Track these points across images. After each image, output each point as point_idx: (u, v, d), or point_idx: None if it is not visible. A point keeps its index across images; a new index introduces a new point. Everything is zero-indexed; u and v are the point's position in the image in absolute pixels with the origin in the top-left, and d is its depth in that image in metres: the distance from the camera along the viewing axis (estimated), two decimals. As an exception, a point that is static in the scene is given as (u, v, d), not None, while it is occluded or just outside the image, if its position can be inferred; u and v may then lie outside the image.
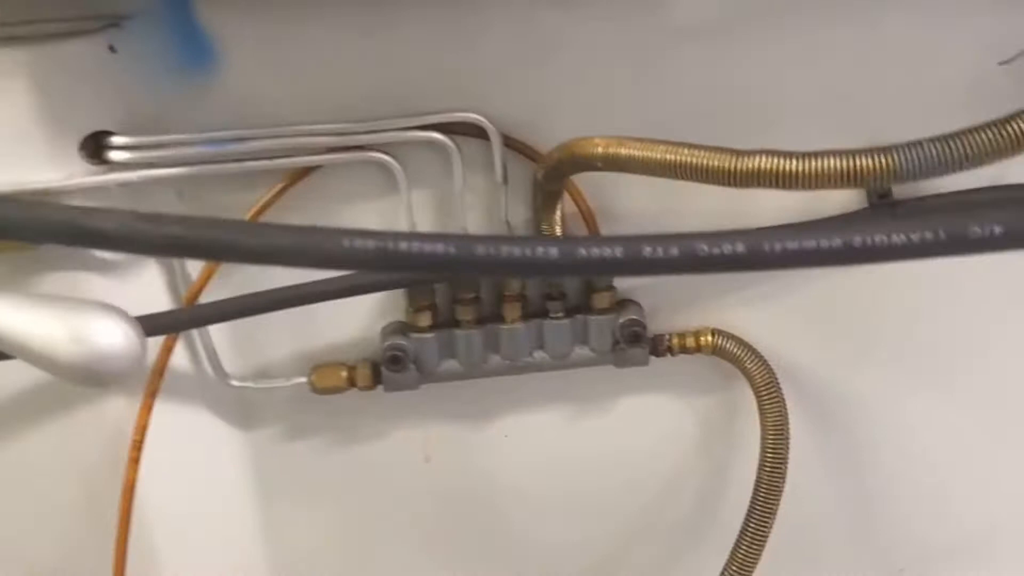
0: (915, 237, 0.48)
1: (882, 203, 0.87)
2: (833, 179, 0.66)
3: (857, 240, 0.49)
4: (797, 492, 0.98)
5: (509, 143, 0.84)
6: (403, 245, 0.48)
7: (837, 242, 0.49)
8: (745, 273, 0.55)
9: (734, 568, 0.92)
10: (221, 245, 0.49)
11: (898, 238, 0.49)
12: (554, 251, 0.49)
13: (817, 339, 0.95)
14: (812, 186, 0.66)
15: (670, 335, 0.92)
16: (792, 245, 0.49)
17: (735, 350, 0.91)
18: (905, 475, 1.01)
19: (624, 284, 0.92)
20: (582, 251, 0.50)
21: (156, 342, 0.88)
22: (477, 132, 0.83)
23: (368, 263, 0.49)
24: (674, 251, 0.49)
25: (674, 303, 0.93)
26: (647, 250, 0.49)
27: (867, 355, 0.96)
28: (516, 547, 1.04)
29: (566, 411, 0.98)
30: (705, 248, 0.49)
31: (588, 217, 0.87)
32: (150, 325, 0.78)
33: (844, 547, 1.04)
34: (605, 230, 0.88)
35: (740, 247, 0.49)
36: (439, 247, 0.49)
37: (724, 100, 0.83)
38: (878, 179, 0.65)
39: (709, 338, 0.91)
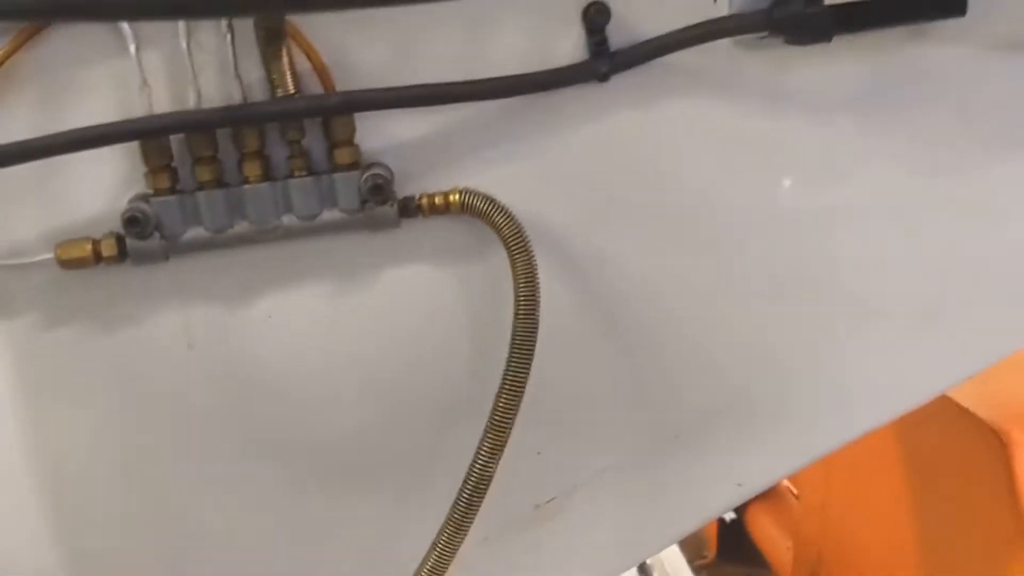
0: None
1: (600, 50, 0.92)
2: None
3: None
4: (561, 359, 1.01)
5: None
6: None
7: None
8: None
9: (496, 419, 0.94)
10: None
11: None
12: None
13: (567, 199, 0.98)
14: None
15: (419, 195, 0.94)
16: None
17: (482, 206, 0.93)
18: (666, 336, 1.05)
19: (371, 146, 0.93)
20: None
21: None
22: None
23: None
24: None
25: (424, 166, 0.95)
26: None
27: (616, 215, 0.99)
28: (290, 436, 1.02)
29: (327, 286, 0.98)
30: None
31: (322, 72, 0.89)
32: None
33: (617, 413, 1.07)
34: (342, 85, 0.90)
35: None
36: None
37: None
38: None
39: (457, 196, 0.94)
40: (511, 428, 0.94)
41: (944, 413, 1.57)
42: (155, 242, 0.89)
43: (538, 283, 0.94)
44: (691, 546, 2.91)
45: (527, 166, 0.97)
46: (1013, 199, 1.04)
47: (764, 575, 2.71)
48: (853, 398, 1.10)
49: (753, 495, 1.14)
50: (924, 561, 1.66)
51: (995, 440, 1.45)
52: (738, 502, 1.14)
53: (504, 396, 0.94)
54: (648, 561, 2.25)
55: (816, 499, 2.05)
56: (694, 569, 2.80)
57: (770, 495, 2.63)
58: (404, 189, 0.94)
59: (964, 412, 1.52)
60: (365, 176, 0.90)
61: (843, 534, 1.95)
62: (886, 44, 0.96)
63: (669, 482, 1.11)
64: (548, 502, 1.10)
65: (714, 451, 1.10)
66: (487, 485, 0.95)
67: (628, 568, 1.21)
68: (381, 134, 0.93)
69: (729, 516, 2.87)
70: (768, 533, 2.55)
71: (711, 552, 2.87)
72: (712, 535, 2.87)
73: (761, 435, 1.10)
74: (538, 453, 1.07)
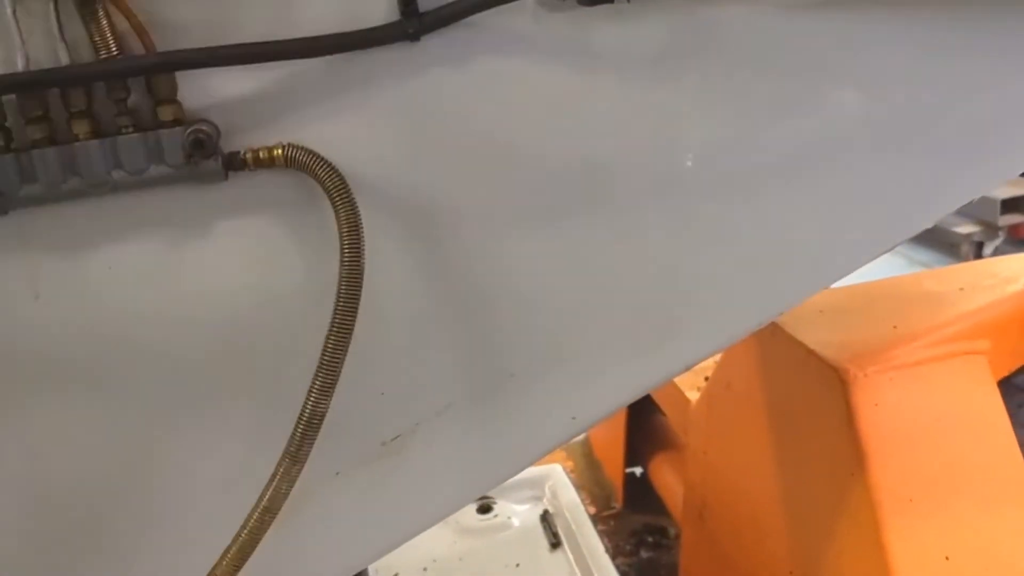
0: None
1: (409, 11, 0.98)
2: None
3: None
4: (397, 305, 1.09)
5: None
6: None
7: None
8: None
9: (325, 360, 1.01)
10: None
11: None
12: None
13: (389, 153, 1.05)
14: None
15: (244, 150, 1.00)
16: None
17: (304, 158, 1.00)
18: (493, 283, 1.12)
19: (198, 103, 0.99)
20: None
21: None
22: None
23: None
24: None
25: (251, 123, 1.01)
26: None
27: (436, 167, 1.07)
28: (140, 376, 1.09)
29: (161, 238, 1.04)
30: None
31: (141, 33, 0.95)
32: None
33: (453, 354, 1.14)
34: (163, 45, 0.96)
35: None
36: None
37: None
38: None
39: (280, 150, 1.00)
40: (340, 368, 1.01)
41: (795, 356, 1.68)
42: (-9, 197, 0.95)
43: (362, 232, 1.01)
44: (599, 498, 3.03)
45: (349, 122, 1.03)
46: (803, 153, 1.13)
47: (666, 523, 2.84)
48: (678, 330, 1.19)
49: (587, 428, 1.23)
50: (783, 496, 1.77)
51: (835, 378, 1.56)
52: (574, 434, 1.23)
53: (332, 338, 1.01)
54: (550, 510, 2.34)
55: (700, 446, 2.16)
56: (602, 520, 2.92)
57: (671, 448, 2.75)
58: (232, 145, 1.01)
59: (811, 354, 1.63)
60: (188, 131, 0.96)
61: (721, 478, 2.06)
62: (679, 6, 1.04)
63: (506, 418, 1.19)
64: (393, 439, 1.18)
65: (548, 389, 1.18)
66: (319, 421, 1.03)
67: (473, 498, 1.29)
68: (208, 92, 0.99)
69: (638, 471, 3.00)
70: (668, 483, 2.67)
71: (619, 504, 2.99)
72: (619, 487, 2.99)
73: (592, 372, 1.19)
74: (381, 393, 1.15)
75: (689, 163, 1.11)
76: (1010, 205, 4.93)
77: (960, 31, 1.11)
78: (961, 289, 1.77)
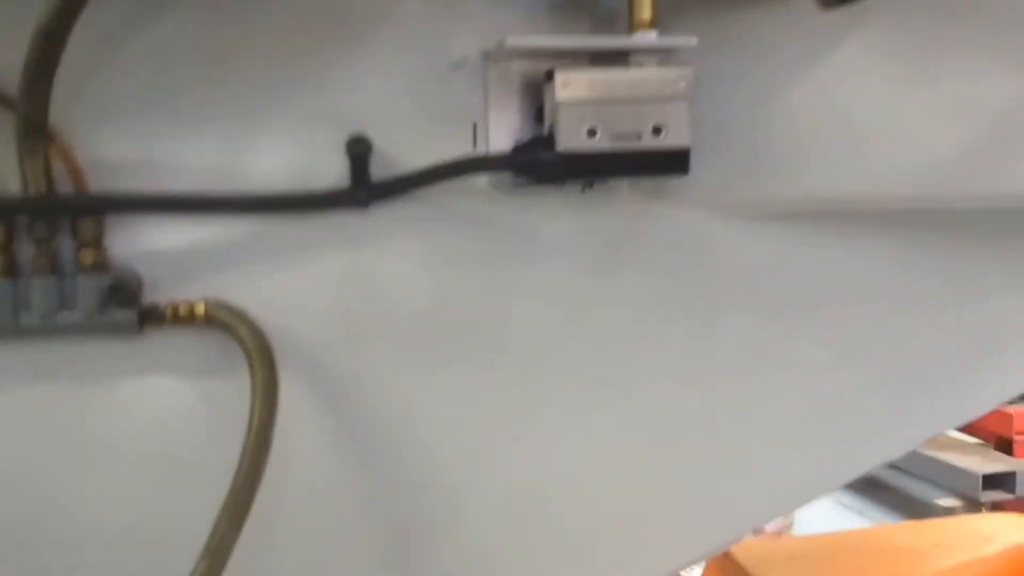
0: None
1: (361, 179, 0.96)
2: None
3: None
4: (301, 470, 0.99)
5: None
6: None
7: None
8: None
9: (213, 543, 0.89)
10: None
11: None
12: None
13: (321, 317, 1.00)
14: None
15: (165, 304, 0.94)
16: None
17: (226, 318, 0.94)
18: (423, 479, 1.03)
19: (122, 250, 0.94)
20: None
21: None
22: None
23: None
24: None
25: (179, 275, 0.96)
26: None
27: (367, 337, 1.01)
28: (36, 531, 0.96)
29: (66, 389, 0.96)
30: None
31: (75, 173, 0.91)
32: None
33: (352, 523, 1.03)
34: (97, 185, 0.92)
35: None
36: None
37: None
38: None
39: (202, 307, 0.94)
40: (230, 551, 0.90)
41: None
42: None
43: (276, 402, 0.93)
44: None
45: (283, 283, 0.98)
46: (736, 356, 1.08)
47: None
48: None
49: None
50: None
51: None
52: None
53: (226, 516, 0.90)
54: None
55: None
56: None
57: None
58: (155, 296, 0.95)
59: None
60: (108, 277, 0.91)
61: None
62: (632, 200, 1.03)
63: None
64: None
65: None
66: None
67: None
68: (136, 239, 0.95)
69: None
70: None
71: None
72: None
73: None
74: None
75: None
76: (991, 481, 4.83)
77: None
78: (937, 545, 1.66)
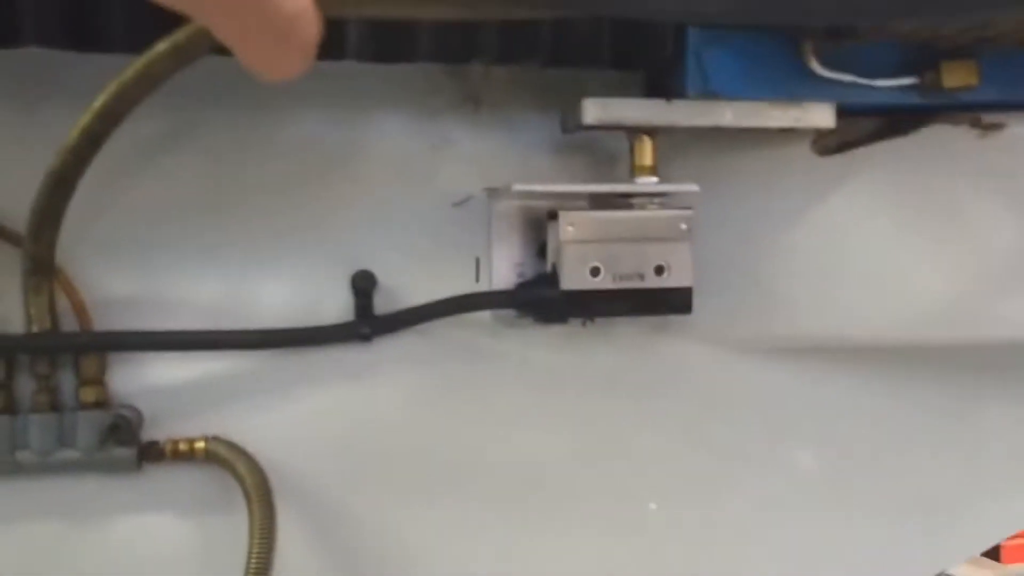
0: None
1: (365, 313, 0.96)
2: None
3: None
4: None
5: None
6: None
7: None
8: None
9: None
10: None
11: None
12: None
13: (322, 453, 0.99)
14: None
15: (164, 440, 0.93)
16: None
17: (226, 455, 0.93)
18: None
19: (124, 389, 0.94)
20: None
21: None
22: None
23: None
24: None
25: (179, 411, 0.95)
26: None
27: (370, 475, 1.00)
28: None
29: (62, 527, 0.94)
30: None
31: (79, 311, 0.91)
32: None
33: None
34: (102, 323, 0.92)
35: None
36: None
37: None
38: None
39: (202, 444, 0.93)
40: None
41: None
42: None
43: (274, 541, 0.91)
44: None
45: (284, 418, 0.98)
46: (737, 506, 1.08)
47: None
48: None
49: None
50: None
51: None
52: None
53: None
54: None
55: None
56: None
57: None
58: (155, 432, 0.94)
59: None
60: (108, 415, 0.90)
61: None
62: (636, 334, 1.04)
63: None
64: None
65: None
66: None
67: None
68: (138, 376, 0.94)
69: None
70: None
71: None
72: None
73: None
74: None
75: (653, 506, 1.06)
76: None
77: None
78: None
